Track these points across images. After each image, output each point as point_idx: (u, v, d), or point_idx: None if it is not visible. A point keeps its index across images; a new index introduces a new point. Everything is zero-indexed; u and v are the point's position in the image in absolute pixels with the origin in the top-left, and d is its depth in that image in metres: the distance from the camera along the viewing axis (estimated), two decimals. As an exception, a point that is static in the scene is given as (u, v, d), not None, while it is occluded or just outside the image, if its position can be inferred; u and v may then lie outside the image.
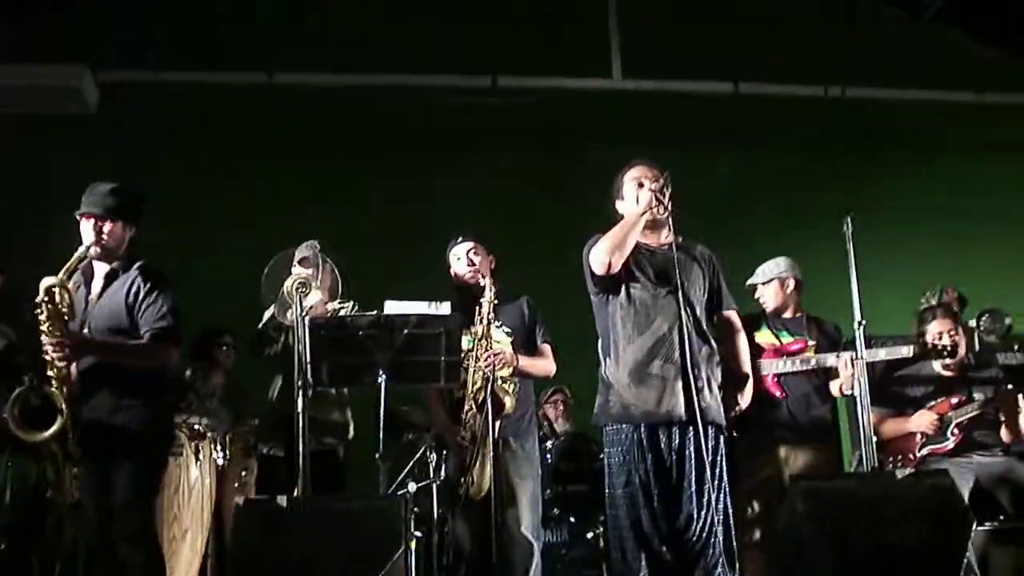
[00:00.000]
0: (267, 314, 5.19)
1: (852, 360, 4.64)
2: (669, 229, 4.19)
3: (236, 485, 5.45)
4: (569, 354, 5.01)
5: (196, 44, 7.65)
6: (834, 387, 4.97)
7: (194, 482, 5.14)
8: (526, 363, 4.82)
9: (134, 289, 4.23)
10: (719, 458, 4.02)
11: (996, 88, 8.13)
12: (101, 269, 4.31)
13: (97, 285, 4.30)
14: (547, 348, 4.98)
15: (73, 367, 4.06)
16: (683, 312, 4.05)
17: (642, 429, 3.98)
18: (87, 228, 4.25)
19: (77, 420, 4.02)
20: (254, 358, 5.51)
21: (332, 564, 3.57)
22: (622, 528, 4.01)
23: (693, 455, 3.94)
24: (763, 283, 5.32)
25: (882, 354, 4.89)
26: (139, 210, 4.39)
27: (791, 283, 5.28)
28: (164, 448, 4.43)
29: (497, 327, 4.71)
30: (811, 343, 5.07)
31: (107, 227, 4.25)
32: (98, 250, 4.24)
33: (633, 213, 4.16)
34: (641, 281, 4.14)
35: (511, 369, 4.68)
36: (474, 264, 4.93)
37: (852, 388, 4.70)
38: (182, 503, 5.07)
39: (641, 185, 4.22)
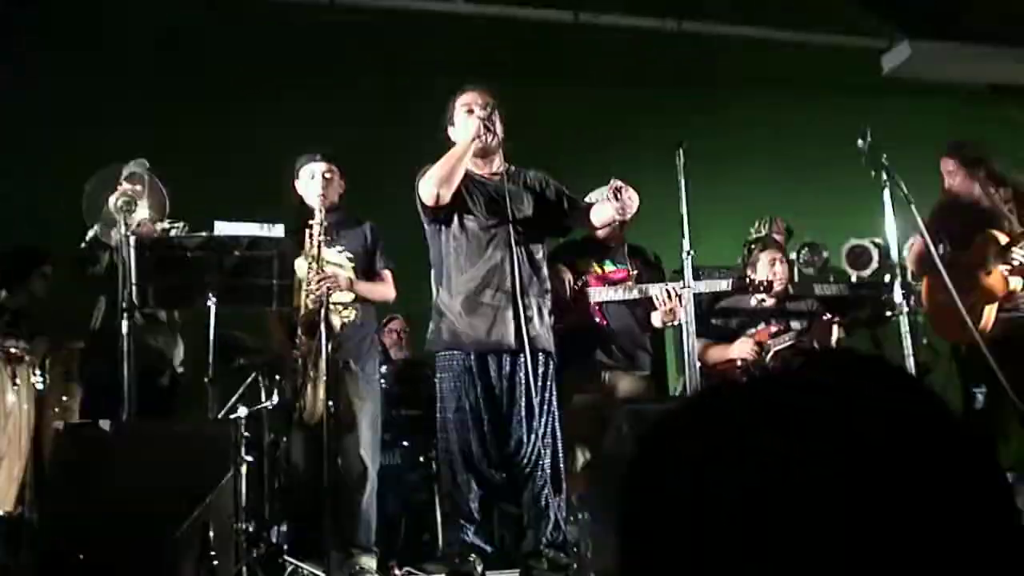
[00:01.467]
0: (90, 233, 4.98)
1: (671, 293, 4.77)
2: (501, 158, 4.20)
3: (56, 411, 5.25)
4: (410, 281, 5.00)
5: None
6: (655, 318, 5.08)
7: (11, 407, 4.93)
8: (364, 288, 4.79)
9: None
10: (548, 383, 4.12)
11: (828, 30, 8.41)
12: None
13: None
14: (387, 274, 4.96)
15: None
16: (514, 242, 4.09)
17: (472, 357, 4.04)
18: None
19: None
20: (77, 279, 5.28)
21: (159, 489, 3.51)
22: (452, 452, 4.08)
23: (523, 382, 4.02)
24: None
25: (702, 287, 4.98)
26: None
27: (621, 211, 5.35)
28: None
29: (339, 251, 4.66)
30: (633, 272, 5.17)
31: None
32: None
33: (461, 143, 4.14)
34: (473, 212, 4.15)
35: (352, 295, 4.65)
36: (328, 183, 4.83)
37: (671, 320, 4.86)
38: (-3, 429, 4.87)
39: (471, 112, 4.21)
